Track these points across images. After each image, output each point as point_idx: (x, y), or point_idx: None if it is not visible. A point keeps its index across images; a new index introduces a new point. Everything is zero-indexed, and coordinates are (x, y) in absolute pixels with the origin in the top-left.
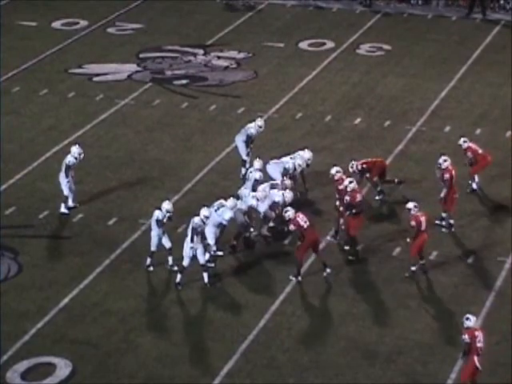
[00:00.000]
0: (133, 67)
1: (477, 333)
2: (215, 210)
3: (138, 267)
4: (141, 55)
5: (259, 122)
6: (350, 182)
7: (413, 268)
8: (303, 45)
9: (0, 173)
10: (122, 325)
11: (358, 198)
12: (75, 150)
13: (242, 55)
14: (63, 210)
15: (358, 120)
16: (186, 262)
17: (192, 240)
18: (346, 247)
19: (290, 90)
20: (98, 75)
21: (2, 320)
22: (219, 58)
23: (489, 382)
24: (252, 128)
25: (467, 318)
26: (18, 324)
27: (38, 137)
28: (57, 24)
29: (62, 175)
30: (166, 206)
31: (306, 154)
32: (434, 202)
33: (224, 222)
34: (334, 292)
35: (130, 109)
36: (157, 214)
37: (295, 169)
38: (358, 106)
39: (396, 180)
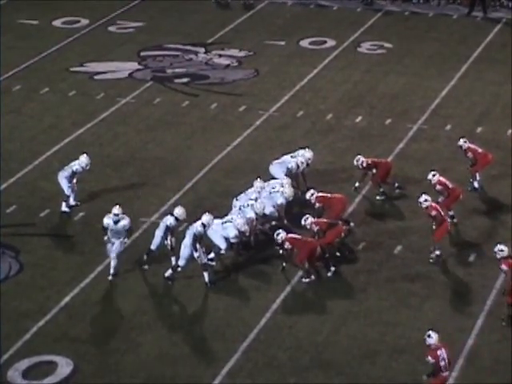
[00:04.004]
0: (134, 65)
1: (439, 352)
2: (222, 223)
3: (139, 266)
4: (142, 53)
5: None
6: (306, 220)
7: (437, 252)
8: (304, 43)
9: (0, 171)
10: (122, 324)
11: (325, 221)
12: (83, 159)
13: (243, 53)
14: (64, 208)
15: (359, 118)
16: (182, 263)
17: (195, 248)
18: (337, 253)
19: (291, 89)
20: (98, 73)
21: (3, 319)
22: (220, 56)
23: (489, 381)
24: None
25: (429, 336)
26: (19, 323)
27: (39, 135)
28: (57, 22)
29: (62, 176)
30: (181, 215)
31: (307, 153)
32: (434, 201)
33: (231, 240)
34: (335, 291)
35: (131, 107)
36: (170, 220)
37: (298, 167)
38: (359, 105)
39: (396, 184)
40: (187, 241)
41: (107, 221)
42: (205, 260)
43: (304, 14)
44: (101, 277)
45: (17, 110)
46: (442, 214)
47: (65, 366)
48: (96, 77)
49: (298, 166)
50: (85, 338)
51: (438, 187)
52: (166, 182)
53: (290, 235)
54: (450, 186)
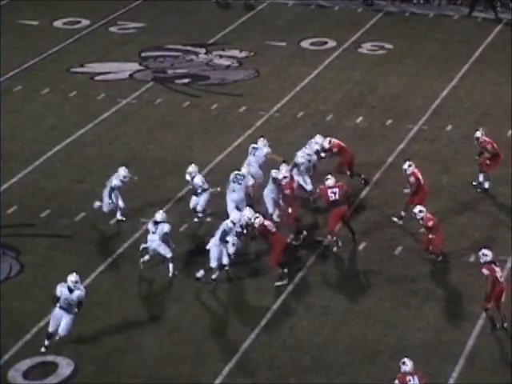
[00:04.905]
0: (134, 66)
1: (408, 377)
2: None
3: (140, 266)
4: (142, 54)
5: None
6: (327, 179)
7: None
8: (305, 44)
9: (1, 172)
10: (123, 324)
11: (332, 197)
12: (122, 172)
13: (243, 54)
14: (119, 217)
15: (360, 119)
16: (214, 264)
17: (224, 241)
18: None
19: (291, 89)
20: (99, 74)
21: (3, 319)
22: (221, 56)
23: (489, 381)
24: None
25: (403, 363)
26: (20, 323)
27: (40, 136)
28: (58, 23)
29: (104, 193)
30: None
31: (317, 138)
32: (436, 201)
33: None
34: (336, 291)
35: (132, 108)
36: (167, 227)
37: (309, 161)
38: (359, 105)
39: (362, 175)
40: (216, 240)
41: (61, 289)
42: (226, 261)
43: (305, 15)
44: (101, 277)
45: (17, 110)
46: (433, 225)
47: (65, 367)
48: (97, 77)
49: (309, 160)
50: (85, 339)
51: (412, 179)
52: (167, 183)
53: (266, 223)
54: (422, 182)
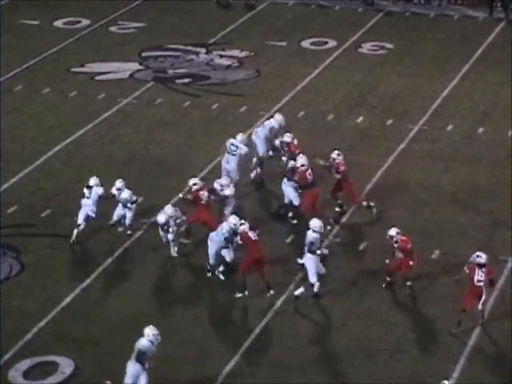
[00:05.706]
0: (135, 66)
1: None
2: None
3: (140, 266)
4: (143, 54)
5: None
6: (302, 165)
7: (409, 283)
8: (305, 43)
9: (1, 172)
10: (124, 324)
11: (309, 178)
12: (170, 211)
13: (244, 54)
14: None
15: (360, 119)
16: (314, 279)
17: (313, 252)
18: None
19: (292, 89)
20: (100, 74)
21: (4, 319)
22: (221, 56)
23: (489, 381)
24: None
25: None
26: (20, 323)
27: (40, 136)
28: (59, 23)
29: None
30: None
31: (277, 116)
32: (437, 201)
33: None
34: (336, 291)
35: (132, 108)
36: (101, 190)
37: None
38: (360, 105)
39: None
40: (308, 255)
41: (145, 344)
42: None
43: (305, 15)
44: (102, 277)
45: (18, 110)
46: (409, 250)
47: (65, 367)
48: (97, 77)
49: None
50: (86, 339)
51: (342, 168)
52: (168, 183)
53: (249, 233)
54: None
